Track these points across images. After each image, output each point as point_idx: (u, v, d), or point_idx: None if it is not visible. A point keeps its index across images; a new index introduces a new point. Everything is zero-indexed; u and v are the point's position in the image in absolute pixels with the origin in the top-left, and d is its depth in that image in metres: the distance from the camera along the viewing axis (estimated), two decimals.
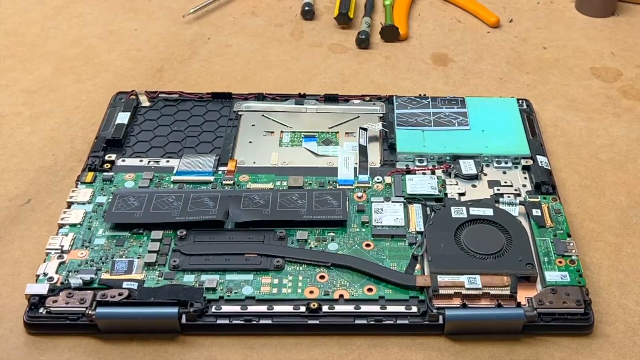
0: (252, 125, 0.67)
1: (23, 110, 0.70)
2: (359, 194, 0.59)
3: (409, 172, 0.61)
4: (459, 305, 0.50)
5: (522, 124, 0.66)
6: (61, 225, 0.56)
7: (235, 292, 0.51)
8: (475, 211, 0.56)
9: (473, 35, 0.82)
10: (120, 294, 0.50)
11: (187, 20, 0.84)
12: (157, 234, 0.55)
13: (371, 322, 0.50)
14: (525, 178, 0.61)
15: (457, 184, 0.60)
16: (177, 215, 0.56)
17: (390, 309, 0.50)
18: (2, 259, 0.55)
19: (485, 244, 0.53)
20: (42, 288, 0.50)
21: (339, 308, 0.50)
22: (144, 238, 0.55)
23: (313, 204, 0.57)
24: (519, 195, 0.59)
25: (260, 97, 0.69)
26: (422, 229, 0.56)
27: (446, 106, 0.67)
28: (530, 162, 0.62)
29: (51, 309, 0.50)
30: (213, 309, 0.50)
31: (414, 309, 0.50)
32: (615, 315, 0.52)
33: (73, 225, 0.56)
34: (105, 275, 0.52)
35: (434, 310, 0.50)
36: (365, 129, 0.65)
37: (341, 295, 0.51)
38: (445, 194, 0.59)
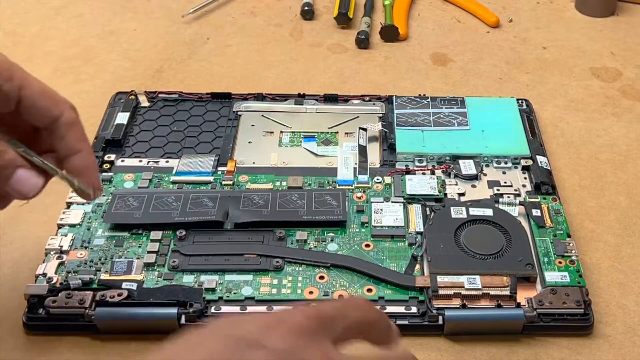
0: (252, 125, 0.66)
1: None
2: (359, 194, 0.59)
3: (408, 172, 0.61)
4: (458, 306, 0.50)
5: (522, 124, 0.66)
6: (60, 226, 0.56)
7: (235, 293, 0.51)
8: (474, 211, 0.56)
9: (473, 35, 0.82)
10: (119, 295, 0.50)
11: (186, 20, 0.84)
12: (156, 234, 0.55)
13: None
14: (525, 178, 0.61)
15: (456, 184, 0.60)
16: (177, 215, 0.56)
17: (390, 309, 0.50)
18: (2, 259, 0.55)
19: (485, 244, 0.53)
20: (42, 289, 0.50)
21: None
22: (143, 238, 0.55)
23: (312, 205, 0.57)
24: (519, 195, 0.59)
25: (259, 97, 0.69)
26: (422, 229, 0.56)
27: (446, 106, 0.67)
28: (530, 162, 0.62)
29: (50, 309, 0.49)
30: (212, 310, 0.50)
31: (414, 309, 0.50)
32: (614, 315, 0.52)
33: (72, 226, 0.56)
34: (104, 276, 0.52)
35: (434, 311, 0.50)
36: (365, 129, 0.65)
37: (341, 296, 0.51)
38: (445, 194, 0.59)
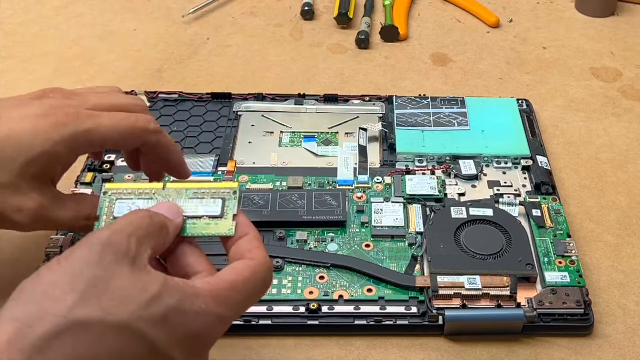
0: (252, 125, 0.66)
1: None
2: (359, 194, 0.59)
3: (408, 172, 0.61)
4: (458, 306, 0.50)
5: (522, 124, 0.66)
6: None
7: None
8: (474, 211, 0.56)
9: (473, 35, 0.82)
10: None
11: (186, 20, 0.84)
12: None
13: (371, 323, 0.50)
14: (525, 178, 0.61)
15: (456, 184, 0.60)
16: None
17: (390, 309, 0.50)
18: (1, 259, 0.55)
19: (485, 244, 0.53)
20: None
21: (338, 308, 0.50)
22: None
23: (312, 205, 0.57)
24: (519, 195, 0.59)
25: (259, 97, 0.69)
26: (422, 229, 0.56)
27: (446, 106, 0.67)
28: (530, 162, 0.62)
29: None
30: None
31: (414, 309, 0.50)
32: (614, 315, 0.52)
33: None
34: None
35: (434, 311, 0.50)
36: (365, 129, 0.65)
37: (341, 296, 0.51)
38: (445, 194, 0.59)
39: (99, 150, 0.48)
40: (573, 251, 0.54)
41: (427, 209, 0.57)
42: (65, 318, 0.33)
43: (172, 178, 0.50)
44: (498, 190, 0.59)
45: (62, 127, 0.43)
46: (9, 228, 0.45)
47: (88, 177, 0.60)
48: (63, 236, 0.55)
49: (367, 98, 0.69)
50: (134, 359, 0.35)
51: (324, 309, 0.50)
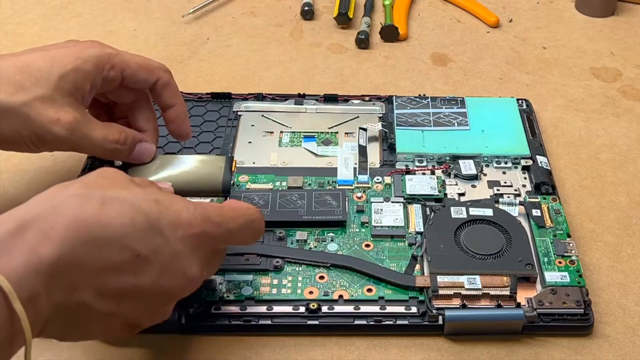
0: (252, 125, 0.66)
1: None
2: (359, 194, 0.59)
3: (408, 172, 0.61)
4: (458, 306, 0.50)
5: (522, 124, 0.66)
6: None
7: (235, 293, 0.51)
8: (474, 211, 0.56)
9: (473, 35, 0.82)
10: None
11: (186, 20, 0.84)
12: None
13: (371, 323, 0.50)
14: (525, 178, 0.61)
15: (456, 184, 0.60)
16: None
17: (390, 309, 0.50)
18: None
19: (485, 244, 0.53)
20: None
21: (338, 308, 0.50)
22: None
23: (312, 205, 0.57)
24: (519, 195, 0.59)
25: (259, 97, 0.69)
26: (422, 229, 0.56)
27: (446, 106, 0.67)
28: (530, 162, 0.62)
29: None
30: (212, 310, 0.50)
31: (414, 309, 0.50)
32: (614, 315, 0.52)
33: None
34: None
35: (434, 311, 0.50)
36: (365, 129, 0.65)
37: (341, 296, 0.51)
38: (445, 194, 0.59)
39: (119, 80, 0.52)
40: (573, 251, 0.54)
41: (427, 209, 0.57)
42: (74, 190, 0.40)
43: None
44: (498, 190, 0.59)
45: (89, 49, 0.52)
46: (47, 145, 0.50)
47: None
48: None
49: (367, 98, 0.69)
50: (133, 225, 0.40)
51: (324, 309, 0.50)
